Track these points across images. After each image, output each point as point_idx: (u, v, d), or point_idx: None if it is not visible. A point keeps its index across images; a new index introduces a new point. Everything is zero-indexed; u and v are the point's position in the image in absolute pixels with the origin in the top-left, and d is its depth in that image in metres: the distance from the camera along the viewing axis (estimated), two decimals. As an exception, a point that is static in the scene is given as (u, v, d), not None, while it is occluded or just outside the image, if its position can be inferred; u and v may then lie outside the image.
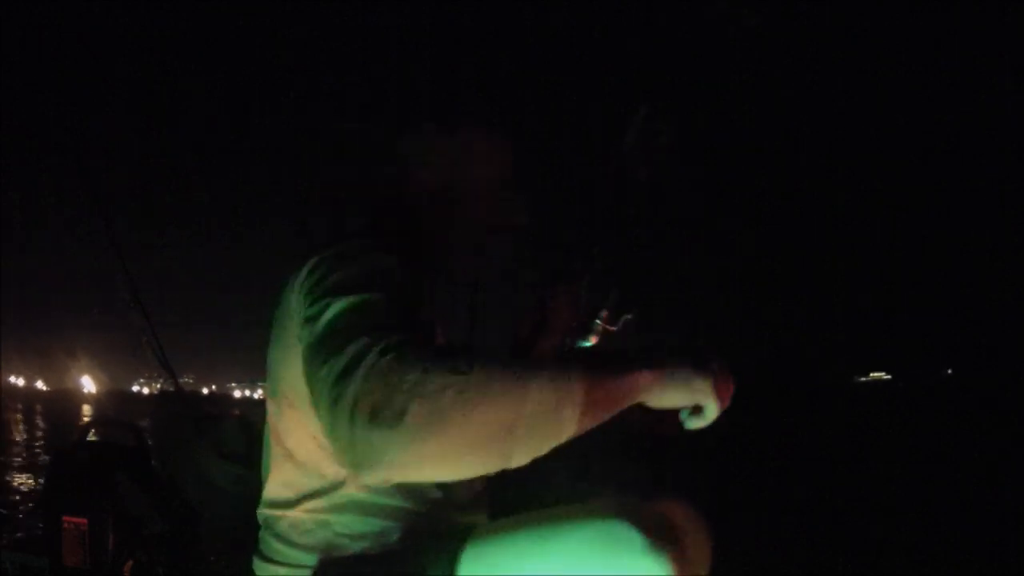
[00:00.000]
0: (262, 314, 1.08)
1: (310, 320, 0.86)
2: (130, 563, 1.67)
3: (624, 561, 0.79)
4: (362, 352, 0.75)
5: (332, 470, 0.99)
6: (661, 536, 0.80)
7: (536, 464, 0.79)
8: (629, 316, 1.22)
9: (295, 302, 0.93)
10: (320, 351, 0.81)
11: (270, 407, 1.05)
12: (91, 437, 1.80)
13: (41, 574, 1.66)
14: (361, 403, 0.71)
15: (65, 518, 1.64)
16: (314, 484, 1.00)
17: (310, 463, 1.00)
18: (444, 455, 0.72)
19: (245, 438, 1.56)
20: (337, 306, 0.84)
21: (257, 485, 1.10)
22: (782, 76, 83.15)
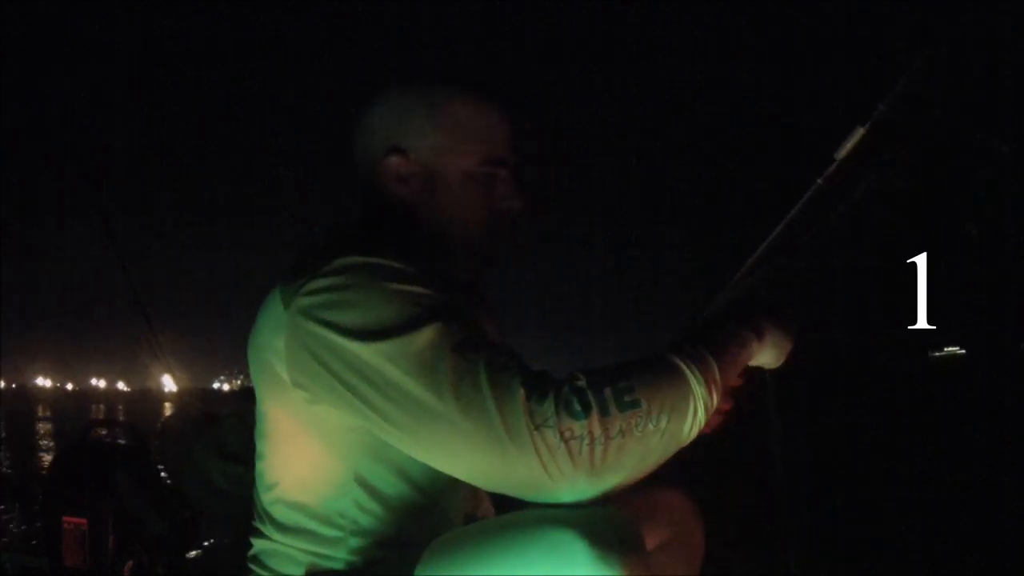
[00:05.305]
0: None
1: (374, 369, 0.81)
2: (130, 563, 1.67)
3: (568, 570, 0.73)
4: (511, 397, 0.77)
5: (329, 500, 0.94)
6: (609, 542, 0.74)
7: None
8: None
9: (308, 334, 0.85)
10: (445, 402, 0.79)
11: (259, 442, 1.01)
12: (91, 437, 1.81)
13: (41, 574, 1.67)
14: (550, 454, 0.76)
15: (65, 518, 1.64)
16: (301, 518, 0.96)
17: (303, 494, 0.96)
18: (627, 478, 0.80)
19: (245, 437, 1.54)
20: (418, 343, 0.81)
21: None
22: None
